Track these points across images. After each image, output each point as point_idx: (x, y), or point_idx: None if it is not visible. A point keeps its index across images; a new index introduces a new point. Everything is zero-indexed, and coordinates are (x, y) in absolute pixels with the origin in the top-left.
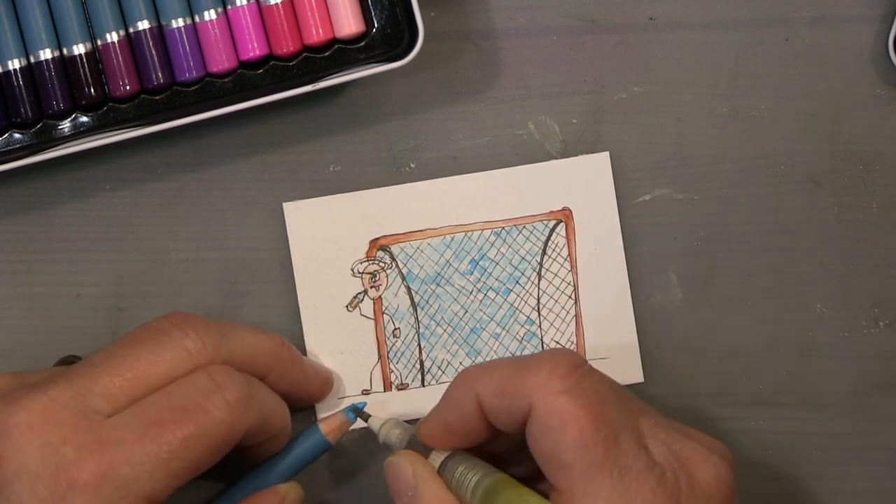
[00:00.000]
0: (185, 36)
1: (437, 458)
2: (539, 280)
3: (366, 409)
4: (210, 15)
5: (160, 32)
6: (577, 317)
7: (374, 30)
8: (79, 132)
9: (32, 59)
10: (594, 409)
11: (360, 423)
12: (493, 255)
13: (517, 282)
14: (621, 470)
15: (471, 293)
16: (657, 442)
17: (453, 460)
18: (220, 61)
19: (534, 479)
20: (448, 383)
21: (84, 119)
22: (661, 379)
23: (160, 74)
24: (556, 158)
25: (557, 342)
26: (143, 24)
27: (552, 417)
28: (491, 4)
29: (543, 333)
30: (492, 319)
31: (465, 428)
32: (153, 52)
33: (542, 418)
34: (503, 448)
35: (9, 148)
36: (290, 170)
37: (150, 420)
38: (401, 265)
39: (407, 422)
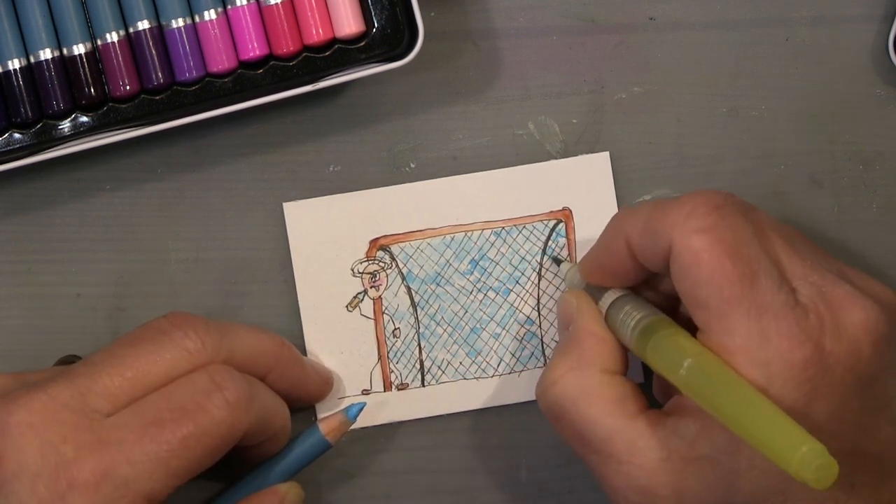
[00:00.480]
0: (185, 36)
1: (610, 297)
2: (539, 280)
3: (364, 411)
4: (210, 15)
5: (160, 32)
6: None
7: (374, 30)
8: (79, 132)
9: (32, 59)
10: (730, 247)
11: (358, 424)
12: (493, 255)
13: (517, 282)
14: (759, 307)
15: (471, 293)
16: (807, 284)
17: (623, 300)
18: (220, 61)
19: None
20: (448, 383)
21: (84, 119)
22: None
23: (160, 74)
24: (556, 158)
25: (557, 342)
26: (143, 24)
27: (688, 255)
28: (491, 4)
29: (543, 333)
30: (492, 319)
31: (619, 267)
32: (153, 52)
33: (680, 256)
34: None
35: (9, 148)
36: (290, 170)
37: (149, 419)
38: (401, 265)
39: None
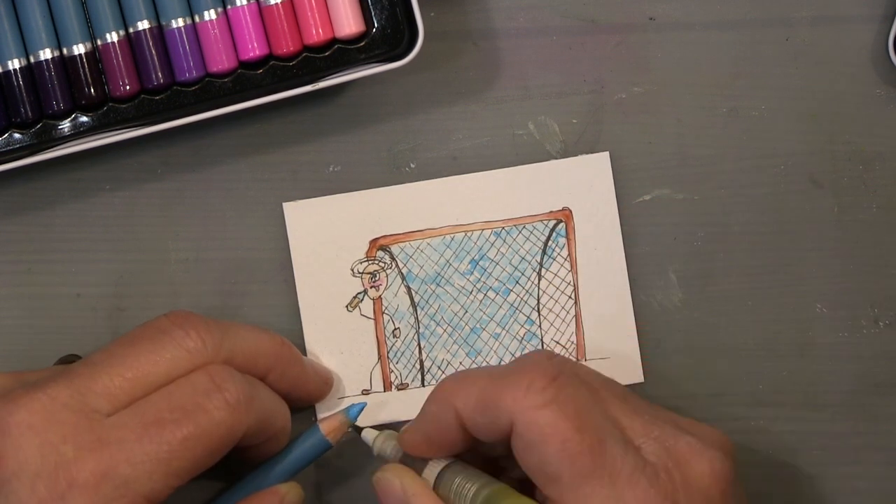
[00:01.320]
0: (185, 36)
1: (434, 469)
2: (539, 280)
3: (364, 411)
4: (210, 15)
5: (160, 32)
6: (577, 317)
7: (374, 30)
8: (79, 132)
9: (32, 59)
10: (575, 420)
11: (361, 424)
12: (493, 255)
13: (517, 282)
14: (611, 475)
15: (471, 293)
16: (649, 440)
17: (450, 471)
18: (220, 61)
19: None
20: None
21: (84, 119)
22: (661, 379)
23: (160, 74)
24: (556, 158)
25: (557, 342)
26: (143, 24)
27: (534, 432)
28: (491, 4)
29: (543, 333)
30: (492, 319)
31: (447, 439)
32: (153, 52)
33: (525, 434)
34: (497, 452)
35: (9, 148)
36: (290, 170)
37: (149, 420)
38: (401, 265)
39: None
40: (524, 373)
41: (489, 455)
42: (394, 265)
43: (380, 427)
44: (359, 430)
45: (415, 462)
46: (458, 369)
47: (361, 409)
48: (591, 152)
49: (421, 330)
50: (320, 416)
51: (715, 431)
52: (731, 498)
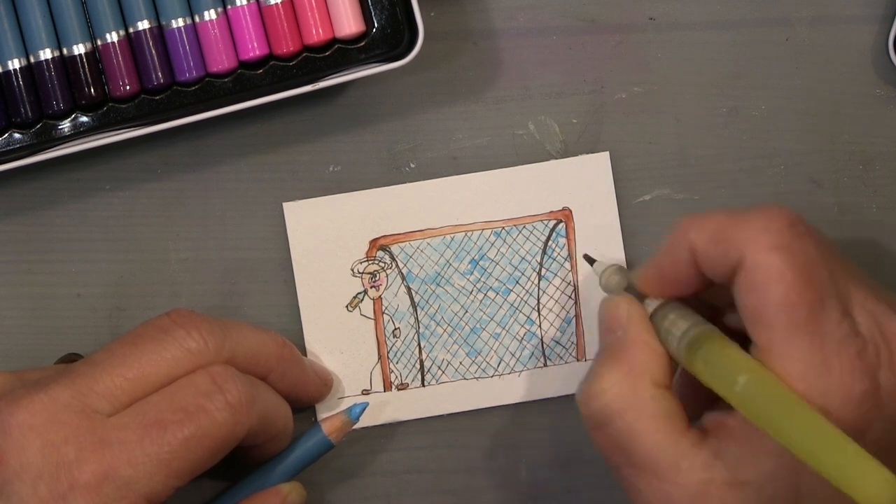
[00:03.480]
0: (185, 36)
1: (650, 305)
2: (539, 280)
3: (364, 412)
4: (210, 15)
5: (160, 32)
6: (577, 317)
7: (374, 30)
8: (79, 132)
9: (32, 59)
10: (804, 270)
11: (359, 424)
12: (493, 255)
13: (517, 282)
14: (823, 336)
15: (471, 293)
16: (865, 313)
17: (667, 308)
18: (220, 61)
19: (746, 333)
20: (448, 383)
21: (84, 119)
22: None
23: (160, 74)
24: (556, 158)
25: (557, 342)
26: (143, 24)
27: (761, 272)
28: (491, 4)
29: (543, 333)
30: (492, 319)
31: (679, 276)
32: (153, 52)
33: (751, 272)
34: (722, 299)
35: (9, 148)
36: (290, 170)
37: (151, 420)
38: (401, 265)
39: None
40: (765, 212)
41: (712, 303)
42: (394, 265)
43: (381, 426)
44: (591, 260)
45: (634, 296)
46: (458, 369)
47: (364, 409)
48: (591, 152)
49: (421, 330)
50: (321, 416)
51: None
52: None
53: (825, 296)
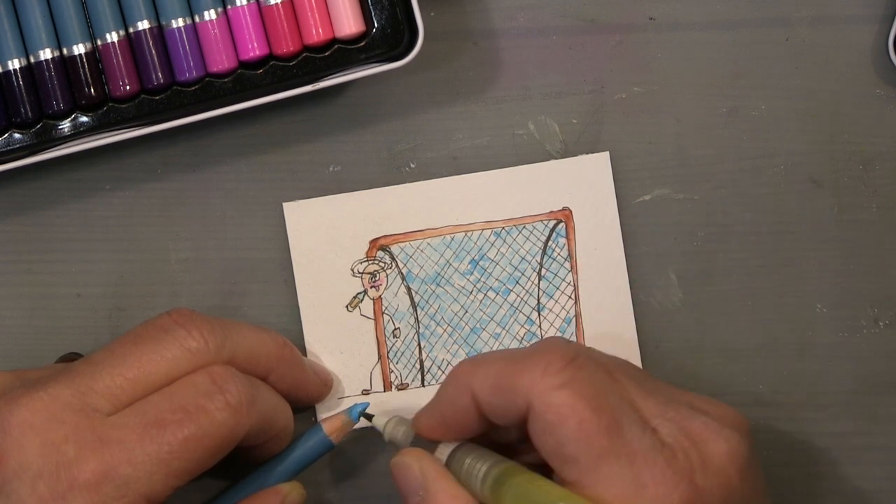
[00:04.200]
0: (185, 36)
1: (444, 451)
2: (539, 280)
3: (368, 410)
4: (210, 15)
5: (160, 32)
6: (577, 317)
7: (374, 30)
8: (79, 132)
9: (32, 59)
10: (592, 400)
11: (361, 423)
12: (493, 255)
13: (517, 282)
14: (628, 455)
15: (471, 293)
16: (665, 421)
17: (461, 451)
18: (220, 61)
19: (544, 465)
20: None
21: (84, 119)
22: (661, 379)
23: (160, 74)
24: (556, 158)
25: None
26: (143, 24)
27: (551, 413)
28: (491, 4)
29: (543, 333)
30: (492, 319)
31: (462, 422)
32: (153, 52)
33: (542, 415)
34: (510, 437)
35: (9, 148)
36: (290, 170)
37: (151, 420)
38: (401, 265)
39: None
40: (541, 355)
41: (502, 441)
42: (394, 265)
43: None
44: (369, 416)
45: (426, 445)
46: None
47: (364, 409)
48: (591, 152)
49: (421, 330)
50: (321, 416)
51: (730, 410)
52: (749, 475)
53: (620, 417)
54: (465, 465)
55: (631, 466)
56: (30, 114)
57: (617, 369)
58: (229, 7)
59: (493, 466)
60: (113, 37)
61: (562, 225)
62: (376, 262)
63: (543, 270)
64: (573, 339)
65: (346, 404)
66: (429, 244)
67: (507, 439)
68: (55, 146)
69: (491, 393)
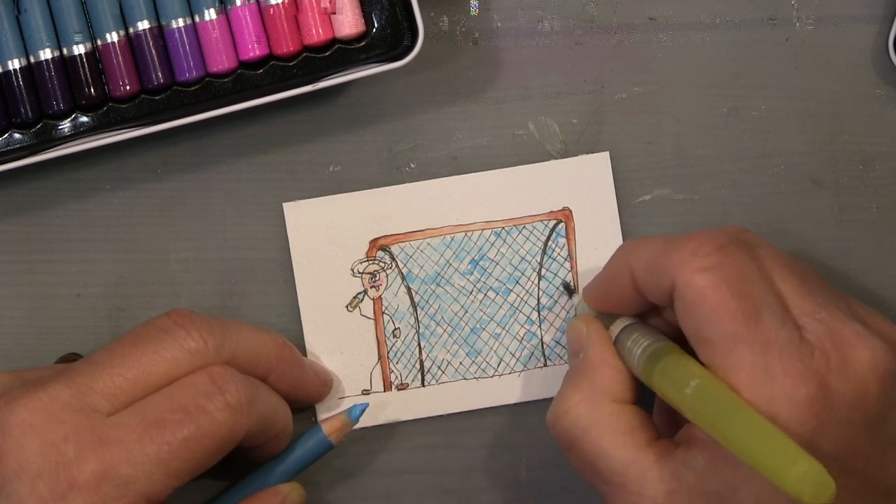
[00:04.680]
0: (185, 36)
1: (619, 324)
2: (539, 280)
3: (364, 412)
4: (210, 15)
5: (160, 32)
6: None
7: (374, 30)
8: (79, 132)
9: (32, 59)
10: (733, 285)
11: (359, 424)
12: (493, 255)
13: (517, 282)
14: (762, 343)
15: (471, 293)
16: (814, 321)
17: (632, 327)
18: (220, 61)
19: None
20: (448, 383)
21: (84, 119)
22: None
23: (160, 74)
24: (556, 158)
25: (557, 342)
26: (143, 24)
27: (691, 293)
28: (491, 4)
29: (543, 333)
30: (492, 319)
31: (623, 298)
32: (153, 52)
33: (683, 294)
34: (673, 317)
35: (9, 148)
36: (290, 170)
37: (150, 420)
38: (401, 265)
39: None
40: (695, 237)
41: (676, 323)
42: (394, 265)
43: (381, 426)
44: (570, 290)
45: (604, 318)
46: (459, 369)
47: (364, 410)
48: (591, 152)
49: (421, 330)
50: (321, 416)
51: (892, 327)
52: (890, 393)
53: (760, 305)
54: (631, 339)
55: (763, 354)
56: (30, 114)
57: (781, 262)
58: (229, 7)
59: (652, 343)
60: (113, 37)
61: (562, 225)
62: (376, 262)
63: (543, 270)
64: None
65: (346, 404)
66: (429, 244)
67: (673, 320)
68: (55, 146)
69: (645, 270)
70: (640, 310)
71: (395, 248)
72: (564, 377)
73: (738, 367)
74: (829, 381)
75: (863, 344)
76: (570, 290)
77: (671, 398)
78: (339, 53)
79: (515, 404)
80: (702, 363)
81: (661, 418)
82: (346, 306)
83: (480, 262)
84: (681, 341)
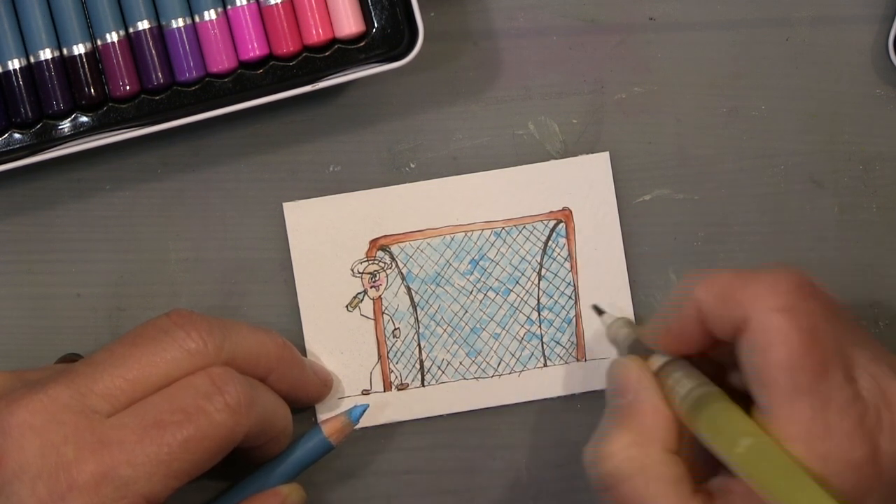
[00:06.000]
0: (185, 36)
1: (657, 361)
2: (539, 280)
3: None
4: (210, 15)
5: (160, 32)
6: (577, 317)
7: (374, 30)
8: (79, 132)
9: (32, 59)
10: (808, 333)
11: (360, 424)
12: (493, 255)
13: (517, 282)
14: (825, 399)
15: (471, 293)
16: (868, 376)
17: (672, 366)
18: (220, 61)
19: (746, 395)
20: (448, 383)
21: (84, 119)
22: None
23: (160, 74)
24: (556, 158)
25: (557, 342)
26: (143, 24)
27: (765, 333)
28: (491, 4)
29: (543, 333)
30: (492, 319)
31: (685, 333)
32: (153, 52)
33: (756, 333)
34: (726, 357)
35: (9, 148)
36: (290, 170)
37: (150, 421)
38: (401, 265)
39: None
40: (772, 273)
41: (716, 359)
42: (394, 265)
43: (381, 426)
44: (600, 311)
45: (640, 351)
46: (459, 369)
47: (364, 411)
48: (591, 152)
49: (421, 330)
50: (321, 417)
51: None
52: None
53: (829, 359)
54: (672, 379)
55: (824, 411)
56: (30, 114)
57: (838, 311)
58: (229, 7)
59: (697, 388)
60: (113, 37)
61: (562, 225)
62: (376, 262)
63: (543, 270)
64: (573, 339)
65: (346, 404)
66: (429, 244)
67: (722, 359)
68: (55, 146)
69: (716, 301)
70: (697, 349)
71: (395, 248)
72: (605, 415)
73: (797, 419)
74: (880, 443)
75: None
76: (599, 310)
77: (717, 449)
78: (339, 53)
79: (515, 404)
80: (757, 402)
81: (692, 454)
82: (346, 306)
83: (480, 262)
84: (719, 382)
